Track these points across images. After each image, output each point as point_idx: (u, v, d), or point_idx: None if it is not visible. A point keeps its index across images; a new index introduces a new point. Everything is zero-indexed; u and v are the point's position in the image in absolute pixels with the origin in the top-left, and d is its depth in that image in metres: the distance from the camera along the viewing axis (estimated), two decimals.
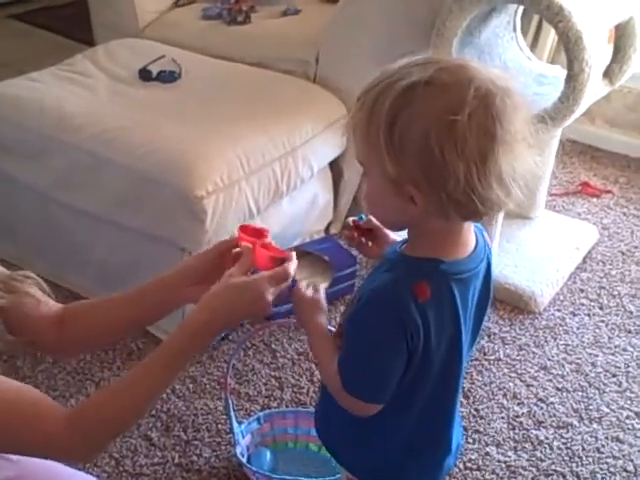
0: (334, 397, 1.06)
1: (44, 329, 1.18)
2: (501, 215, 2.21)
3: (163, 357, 1.09)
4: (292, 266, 1.11)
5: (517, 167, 0.90)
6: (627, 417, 1.93)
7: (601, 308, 2.29)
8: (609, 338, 2.18)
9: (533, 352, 2.12)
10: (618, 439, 1.87)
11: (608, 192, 2.88)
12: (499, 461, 1.80)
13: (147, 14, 2.78)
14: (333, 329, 1.13)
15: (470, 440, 1.84)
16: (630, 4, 2.06)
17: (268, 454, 1.75)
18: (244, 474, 1.72)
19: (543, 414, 1.93)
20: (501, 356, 2.10)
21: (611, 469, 1.80)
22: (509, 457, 1.81)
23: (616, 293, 2.36)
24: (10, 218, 2.29)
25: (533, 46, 2.79)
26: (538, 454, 1.82)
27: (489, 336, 2.15)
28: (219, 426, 1.85)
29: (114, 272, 2.15)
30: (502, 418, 1.91)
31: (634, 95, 3.08)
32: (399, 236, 1.10)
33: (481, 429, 1.88)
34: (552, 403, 1.96)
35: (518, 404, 1.95)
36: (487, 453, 1.82)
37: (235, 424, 1.72)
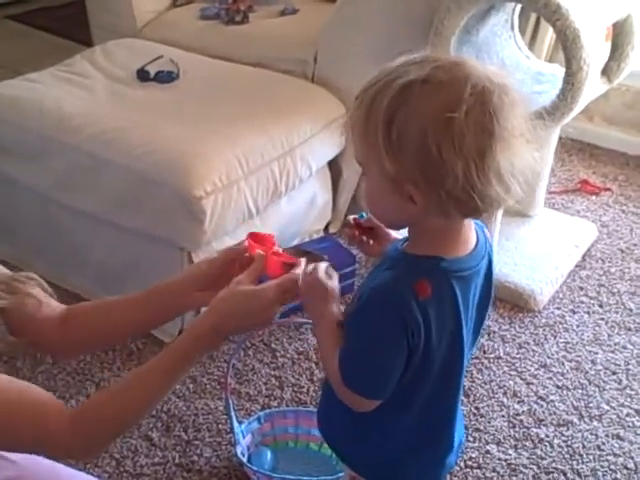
0: (335, 391, 1.06)
1: (47, 330, 1.18)
2: (500, 213, 2.22)
3: (166, 360, 1.09)
4: (299, 271, 1.11)
5: (516, 163, 0.91)
6: (627, 414, 1.93)
7: (601, 306, 2.30)
8: (609, 336, 2.18)
9: (533, 350, 2.12)
10: (618, 436, 1.87)
11: (607, 190, 2.88)
12: (500, 459, 1.80)
13: (145, 14, 2.78)
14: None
15: (470, 438, 1.84)
16: (628, 2, 2.06)
17: (269, 454, 1.75)
18: (245, 474, 1.72)
19: (543, 412, 1.93)
20: (501, 354, 2.10)
21: (611, 466, 1.80)
22: (510, 455, 1.81)
23: (615, 291, 2.36)
24: (10, 219, 2.30)
25: (531, 44, 2.79)
26: (538, 452, 1.82)
27: (489, 334, 2.15)
28: (219, 426, 1.85)
29: (113, 272, 2.15)
30: (502, 416, 1.91)
31: (632, 93, 3.08)
32: (400, 234, 1.10)
33: (481, 427, 1.88)
34: (552, 401, 1.96)
35: (518, 402, 1.95)
36: (488, 451, 1.82)
37: (235, 424, 1.72)
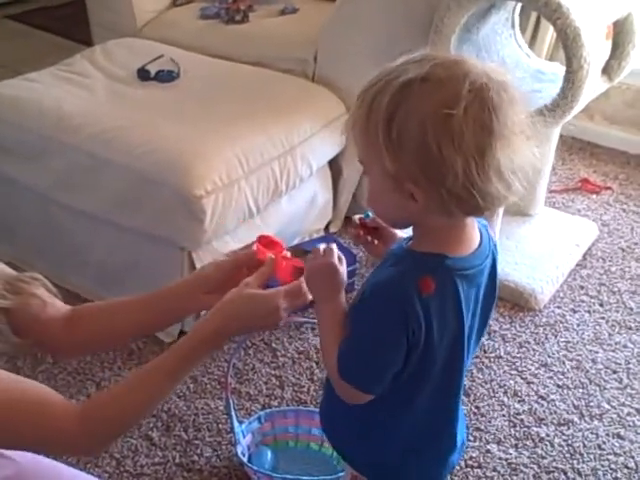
0: (331, 381, 1.06)
1: (51, 331, 1.18)
2: (501, 212, 2.22)
3: (170, 361, 1.09)
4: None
5: (516, 160, 0.91)
6: (628, 414, 1.93)
7: (601, 305, 2.29)
8: (609, 335, 2.18)
9: (533, 349, 2.12)
10: (619, 436, 1.87)
11: (608, 189, 2.88)
12: (500, 458, 1.80)
13: (145, 13, 2.78)
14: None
15: (471, 438, 1.84)
16: (628, 0, 2.06)
17: (269, 453, 1.75)
18: (245, 473, 1.72)
19: (544, 411, 1.93)
20: (501, 353, 2.10)
21: (612, 466, 1.80)
22: (510, 454, 1.81)
23: (616, 290, 2.36)
24: (10, 219, 2.29)
25: (532, 43, 2.79)
26: (539, 451, 1.82)
27: (489, 334, 2.15)
28: (220, 425, 1.85)
29: (114, 272, 2.15)
30: (503, 415, 1.91)
31: (633, 91, 3.08)
32: (405, 234, 1.10)
33: (482, 427, 1.88)
34: (553, 400, 1.96)
35: (519, 401, 1.95)
36: (488, 450, 1.82)
37: (236, 423, 1.72)
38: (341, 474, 1.60)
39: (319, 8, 2.71)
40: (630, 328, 2.21)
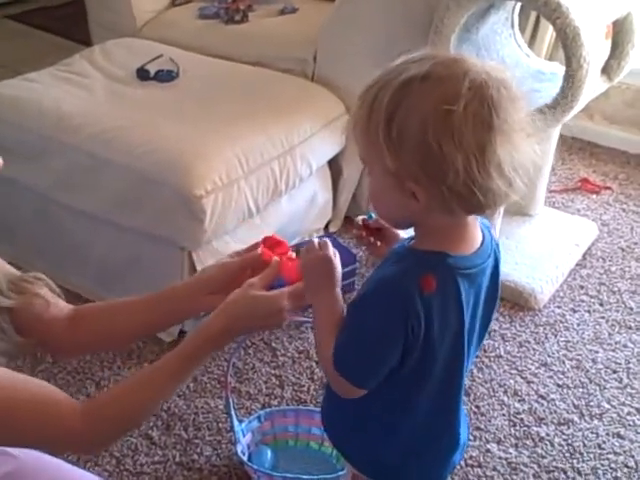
0: (324, 372, 1.06)
1: (54, 330, 1.19)
2: (501, 212, 2.22)
3: (174, 361, 1.10)
4: None
5: (517, 157, 0.91)
6: (628, 413, 1.93)
7: (601, 304, 2.29)
8: (609, 334, 2.18)
9: (533, 349, 2.12)
10: (619, 435, 1.87)
11: (607, 188, 2.88)
12: (500, 458, 1.80)
13: (144, 13, 2.78)
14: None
15: (471, 437, 1.83)
16: (627, 0, 2.06)
17: (269, 452, 1.75)
18: (245, 472, 1.72)
19: (544, 411, 1.93)
20: (501, 353, 2.10)
21: (612, 465, 1.80)
22: (510, 454, 1.81)
23: (616, 289, 2.36)
24: (10, 219, 2.29)
25: (531, 43, 2.78)
26: (539, 451, 1.82)
27: (489, 333, 2.15)
28: (220, 425, 1.85)
29: (114, 272, 2.15)
30: (503, 415, 1.91)
31: (632, 91, 3.08)
32: (407, 235, 1.10)
33: (482, 426, 1.88)
34: (553, 400, 1.96)
35: (519, 401, 1.95)
36: (488, 450, 1.82)
37: (236, 422, 1.72)
38: (341, 473, 1.60)
39: (318, 8, 2.71)
40: (630, 328, 2.21)
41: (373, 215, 1.15)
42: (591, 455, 1.82)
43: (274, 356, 2.06)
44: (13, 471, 1.18)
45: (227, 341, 1.14)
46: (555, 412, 1.92)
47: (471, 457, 1.79)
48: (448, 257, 0.98)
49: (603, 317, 2.24)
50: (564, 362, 2.08)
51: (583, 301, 2.30)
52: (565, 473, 1.77)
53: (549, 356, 2.09)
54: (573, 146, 3.12)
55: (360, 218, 1.16)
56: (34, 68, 2.37)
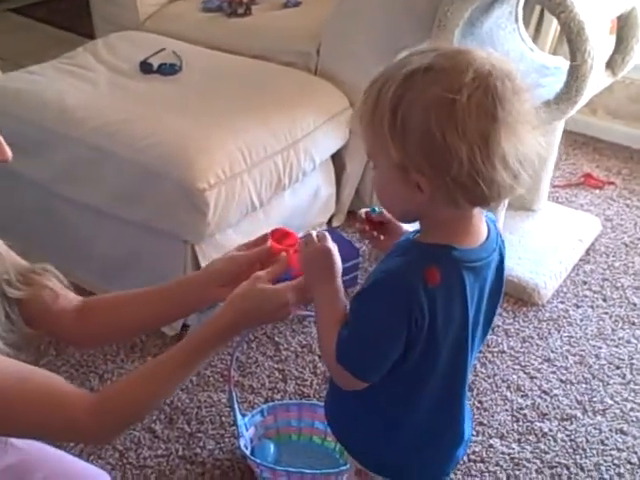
0: (325, 364, 1.06)
1: (63, 322, 1.19)
2: (504, 207, 2.21)
3: (181, 353, 1.10)
4: None
5: (521, 148, 0.90)
6: (631, 409, 1.93)
7: (604, 300, 2.29)
8: (613, 330, 2.18)
9: (537, 344, 2.12)
10: (622, 431, 1.87)
11: (611, 184, 2.87)
12: (503, 453, 1.80)
13: (147, 6, 2.77)
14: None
15: (474, 432, 1.83)
16: None
17: (272, 446, 1.75)
18: (248, 466, 1.72)
19: (547, 406, 1.93)
20: (505, 348, 2.09)
21: (615, 461, 1.79)
22: (513, 449, 1.81)
23: (619, 285, 2.35)
24: (12, 212, 2.29)
25: (535, 37, 2.78)
26: (542, 446, 1.82)
27: (493, 328, 2.13)
28: (223, 418, 1.85)
29: (117, 265, 2.15)
30: (506, 410, 1.91)
31: (636, 86, 3.07)
32: (412, 228, 1.10)
33: (485, 421, 1.87)
34: (556, 395, 1.96)
35: (522, 396, 1.95)
36: (491, 445, 1.82)
37: (239, 416, 1.72)
38: (344, 468, 1.60)
39: (322, 1, 2.70)
40: (633, 323, 2.20)
41: (376, 209, 1.15)
42: (594, 451, 1.81)
43: (277, 350, 2.06)
44: (17, 463, 1.18)
45: (233, 334, 1.14)
46: (558, 408, 1.92)
47: (474, 452, 1.79)
48: (453, 250, 0.97)
49: (606, 313, 2.24)
50: (567, 358, 2.07)
51: (586, 296, 2.30)
52: (568, 469, 1.77)
53: (552, 351, 2.09)
54: (576, 141, 3.11)
55: (363, 211, 1.16)
56: (37, 61, 2.36)
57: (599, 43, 1.88)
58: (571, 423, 1.88)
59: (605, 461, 1.79)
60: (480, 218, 1.01)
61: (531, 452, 1.80)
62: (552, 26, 2.80)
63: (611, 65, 2.11)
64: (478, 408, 1.91)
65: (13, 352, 1.05)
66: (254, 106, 2.14)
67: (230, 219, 2.00)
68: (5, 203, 2.28)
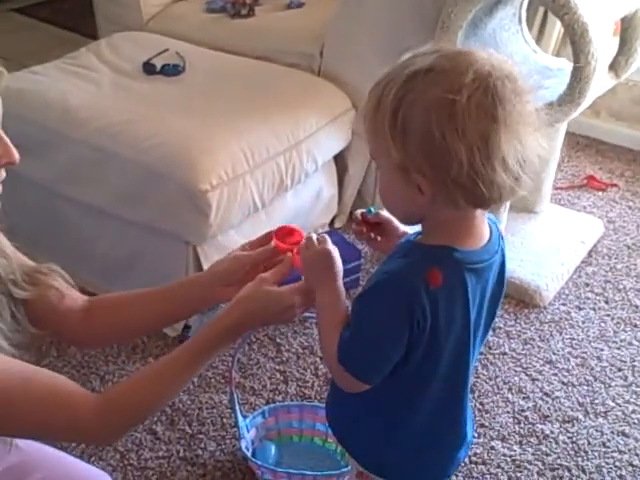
0: (327, 366, 1.06)
1: (69, 322, 1.19)
2: (506, 209, 2.21)
3: (186, 354, 1.10)
4: None
5: (522, 151, 0.90)
6: (633, 411, 1.92)
7: (607, 302, 2.29)
8: (615, 332, 2.17)
9: (538, 346, 2.11)
10: (624, 433, 1.86)
11: (614, 186, 2.87)
12: (504, 455, 1.80)
13: (151, 7, 2.77)
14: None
15: (475, 434, 1.83)
16: None
17: (273, 448, 1.75)
18: (249, 468, 1.72)
19: (548, 408, 1.92)
20: (506, 350, 2.09)
21: (617, 463, 1.79)
22: (514, 451, 1.81)
23: (622, 287, 2.35)
24: (15, 213, 2.28)
25: (539, 38, 2.77)
26: (543, 448, 1.82)
27: (494, 330, 2.14)
28: (224, 420, 1.85)
29: (118, 266, 2.15)
30: (507, 412, 1.91)
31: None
32: (410, 229, 1.10)
33: (486, 423, 1.87)
34: (557, 397, 1.96)
35: (523, 398, 1.95)
36: (492, 447, 1.81)
37: (240, 418, 1.72)
38: (345, 469, 1.60)
39: (325, 2, 2.70)
40: (635, 326, 2.20)
41: (372, 209, 1.15)
42: (595, 453, 1.81)
43: (278, 352, 2.05)
44: (17, 463, 1.18)
45: (238, 336, 1.14)
46: (560, 410, 1.92)
47: (475, 454, 1.79)
48: (455, 251, 0.97)
49: (608, 315, 2.24)
50: (569, 360, 2.07)
51: (588, 298, 2.30)
52: (569, 471, 1.77)
53: (554, 354, 2.09)
54: (579, 143, 3.11)
55: (359, 212, 1.16)
56: (40, 61, 2.36)
57: (603, 45, 1.88)
58: (573, 425, 1.88)
59: (607, 463, 1.79)
60: (482, 220, 1.01)
61: (532, 454, 1.80)
62: (555, 28, 2.79)
63: (614, 67, 2.11)
64: (479, 410, 1.90)
65: (18, 352, 1.05)
66: (257, 107, 2.14)
67: (232, 220, 2.00)
68: (7, 203, 2.27)
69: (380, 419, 1.10)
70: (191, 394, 1.91)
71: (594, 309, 2.26)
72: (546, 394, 1.96)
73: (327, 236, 1.09)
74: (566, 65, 2.13)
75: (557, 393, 1.97)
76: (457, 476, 1.73)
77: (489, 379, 2.00)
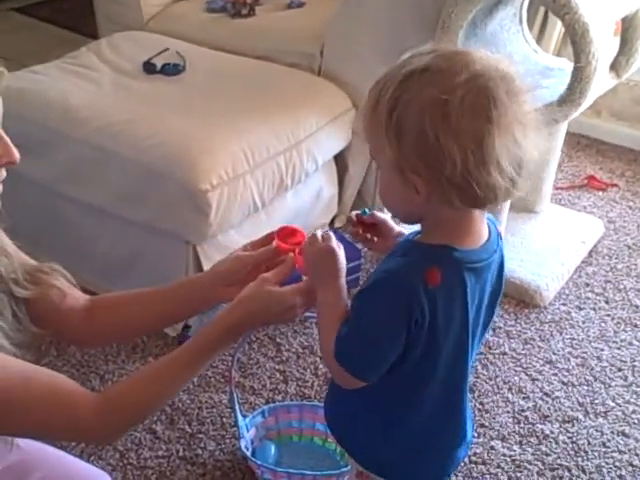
0: (325, 363, 1.06)
1: (71, 321, 1.19)
2: (506, 209, 2.21)
3: (187, 353, 1.10)
4: None
5: (517, 152, 0.90)
6: (633, 411, 1.92)
7: (607, 302, 2.29)
8: (615, 332, 2.17)
9: (538, 346, 2.11)
10: (624, 433, 1.86)
11: (614, 186, 2.87)
12: (504, 455, 1.80)
13: (151, 7, 2.77)
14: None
15: (475, 434, 1.83)
16: None
17: (272, 447, 1.75)
18: (248, 467, 1.72)
19: (548, 408, 1.92)
20: (506, 350, 2.09)
21: (617, 463, 1.79)
22: (514, 451, 1.81)
23: (622, 287, 2.35)
24: (14, 212, 2.29)
25: (539, 38, 2.77)
26: (543, 448, 1.82)
27: (494, 330, 2.14)
28: (223, 419, 1.85)
29: (119, 265, 2.15)
30: (507, 412, 1.91)
31: None
32: (407, 229, 1.10)
33: (486, 423, 1.87)
34: (557, 397, 1.96)
35: (523, 398, 1.95)
36: (492, 447, 1.81)
37: (240, 417, 1.72)
38: (345, 469, 1.60)
39: (325, 2, 2.70)
40: (636, 326, 2.20)
41: (367, 210, 1.15)
42: (595, 453, 1.81)
43: (278, 351, 2.05)
44: (17, 462, 1.18)
45: (238, 336, 1.14)
46: (560, 410, 1.92)
47: (475, 454, 1.79)
48: (454, 251, 0.98)
49: (609, 315, 2.24)
50: (569, 360, 2.07)
51: (589, 299, 2.30)
52: (569, 471, 1.77)
53: (554, 354, 2.09)
54: (580, 143, 3.10)
55: (354, 214, 1.16)
56: (40, 61, 2.36)
57: (603, 45, 1.88)
58: (573, 425, 1.88)
59: (607, 463, 1.79)
60: (481, 219, 1.01)
61: (532, 454, 1.80)
62: (556, 28, 2.79)
63: (615, 67, 2.11)
64: (479, 410, 1.90)
65: (20, 352, 1.05)
66: (257, 107, 2.13)
67: (232, 220, 2.00)
68: (7, 203, 2.27)
69: (378, 417, 1.10)
70: (191, 393, 1.91)
71: (594, 309, 2.26)
72: (546, 394, 1.96)
73: (332, 233, 1.09)
74: (567, 65, 2.13)
75: (557, 393, 1.97)
76: (457, 476, 1.73)
77: (489, 379, 2.00)
